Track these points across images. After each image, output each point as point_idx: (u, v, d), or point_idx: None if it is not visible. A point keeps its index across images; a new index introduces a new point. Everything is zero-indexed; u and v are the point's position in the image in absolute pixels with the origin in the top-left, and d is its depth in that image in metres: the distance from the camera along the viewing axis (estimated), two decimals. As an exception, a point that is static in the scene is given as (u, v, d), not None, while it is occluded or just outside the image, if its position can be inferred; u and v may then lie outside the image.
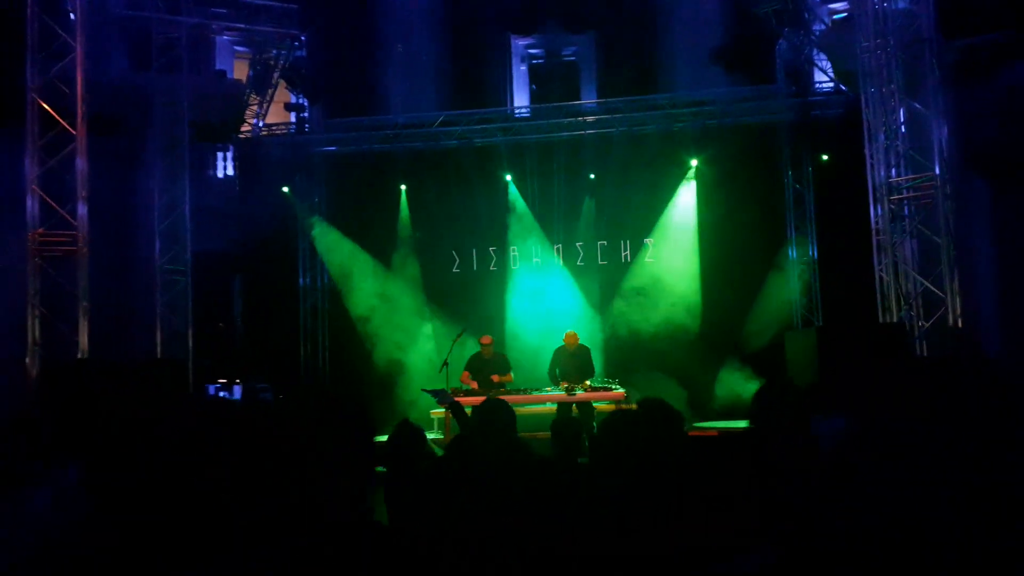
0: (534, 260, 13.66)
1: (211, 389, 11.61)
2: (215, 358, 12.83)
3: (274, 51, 12.99)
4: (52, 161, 9.78)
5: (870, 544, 2.23)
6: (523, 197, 13.64)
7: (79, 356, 9.72)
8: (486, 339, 10.84)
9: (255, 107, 13.42)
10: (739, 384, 11.97)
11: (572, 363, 10.51)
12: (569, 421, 4.32)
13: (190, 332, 11.94)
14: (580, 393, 10.07)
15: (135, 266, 11.72)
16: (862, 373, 7.40)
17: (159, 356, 11.54)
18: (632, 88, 13.11)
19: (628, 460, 2.90)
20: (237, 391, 11.71)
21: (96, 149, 10.11)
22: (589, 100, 13.80)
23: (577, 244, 13.59)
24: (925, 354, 9.43)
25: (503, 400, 4.21)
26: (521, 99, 14.15)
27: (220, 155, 13.89)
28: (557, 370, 10.60)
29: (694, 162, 13.21)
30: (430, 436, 10.90)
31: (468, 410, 5.24)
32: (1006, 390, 3.00)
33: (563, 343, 10.73)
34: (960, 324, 9.43)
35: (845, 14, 12.34)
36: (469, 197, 13.42)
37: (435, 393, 9.47)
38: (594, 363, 11.02)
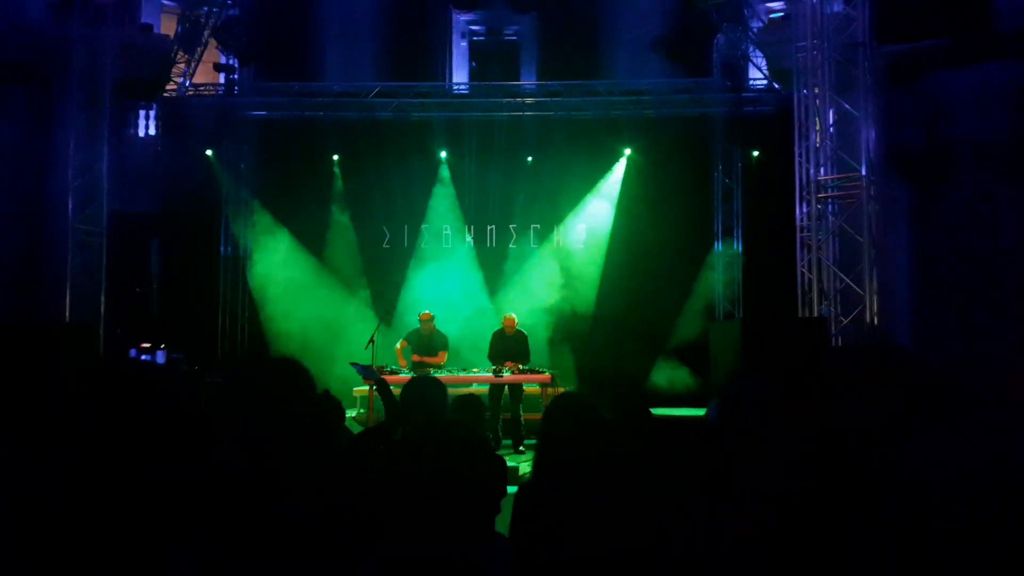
0: (466, 240, 13.55)
1: (132, 354, 11.14)
2: (130, 325, 12.31)
3: (204, 8, 12.45)
4: (-41, 109, 9.18)
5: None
6: (458, 175, 13.49)
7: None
8: (425, 315, 10.60)
9: (182, 65, 12.85)
10: (669, 375, 12.17)
11: (507, 347, 10.38)
12: (469, 399, 4.14)
13: (103, 297, 11.41)
14: (507, 375, 10.05)
15: (47, 225, 11.11)
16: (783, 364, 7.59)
17: (67, 320, 10.97)
18: (572, 72, 13.09)
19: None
20: (160, 356, 11.27)
21: (8, 98, 9.52)
22: (529, 81, 13.72)
23: (511, 226, 13.53)
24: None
25: (434, 378, 4.10)
26: (460, 75, 13.96)
27: (142, 113, 13.25)
28: (493, 353, 10.47)
29: (627, 151, 13.33)
30: (350, 414, 10.72)
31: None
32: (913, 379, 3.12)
33: (501, 327, 10.62)
34: (877, 321, 9.78)
35: (782, 13, 12.57)
36: (403, 172, 13.20)
37: (362, 369, 9.04)
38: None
